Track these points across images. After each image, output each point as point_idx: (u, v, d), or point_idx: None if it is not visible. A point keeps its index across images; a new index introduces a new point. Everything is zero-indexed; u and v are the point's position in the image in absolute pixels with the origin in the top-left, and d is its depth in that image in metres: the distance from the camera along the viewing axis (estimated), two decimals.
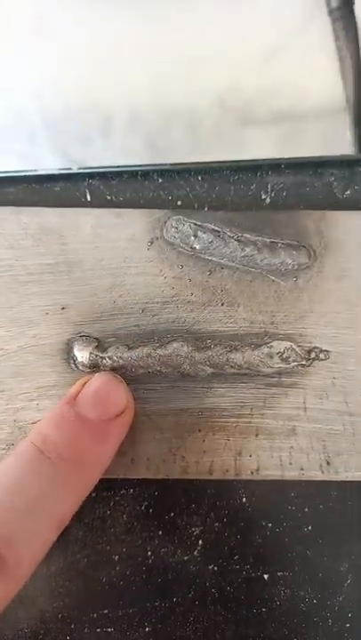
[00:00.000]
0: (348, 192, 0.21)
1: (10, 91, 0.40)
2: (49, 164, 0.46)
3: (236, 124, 0.45)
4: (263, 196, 0.21)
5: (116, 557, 0.19)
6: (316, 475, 0.19)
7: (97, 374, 0.19)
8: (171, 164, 0.21)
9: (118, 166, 0.21)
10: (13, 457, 0.16)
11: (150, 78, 0.43)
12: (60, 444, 0.17)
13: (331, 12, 0.40)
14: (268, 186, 0.21)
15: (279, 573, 0.20)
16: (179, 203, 0.21)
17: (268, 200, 0.21)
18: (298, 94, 0.45)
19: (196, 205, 0.21)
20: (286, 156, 0.49)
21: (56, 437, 0.17)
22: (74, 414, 0.17)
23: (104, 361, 0.19)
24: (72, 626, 0.19)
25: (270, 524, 0.20)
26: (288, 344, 0.20)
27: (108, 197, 0.21)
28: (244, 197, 0.21)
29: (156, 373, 0.19)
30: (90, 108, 0.44)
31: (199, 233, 0.20)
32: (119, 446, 0.19)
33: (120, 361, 0.19)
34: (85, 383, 0.18)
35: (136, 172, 0.21)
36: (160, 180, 0.21)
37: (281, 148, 0.48)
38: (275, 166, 0.21)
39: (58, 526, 0.16)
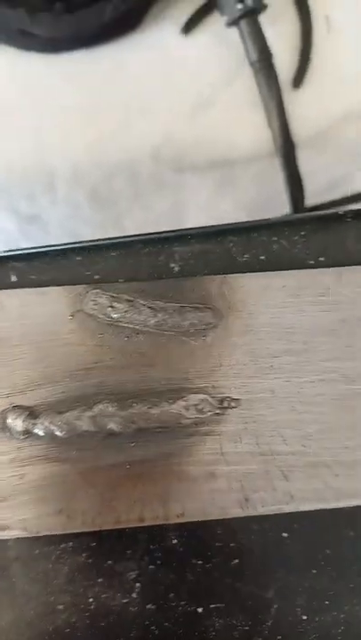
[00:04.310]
0: (247, 255, 0.24)
1: None
2: (3, 221, 0.49)
3: (172, 172, 0.49)
4: (172, 265, 0.24)
5: (61, 607, 0.21)
6: (237, 512, 0.22)
7: None
8: (87, 242, 0.24)
9: (40, 247, 0.24)
10: None
11: (88, 136, 0.47)
12: None
13: (252, 64, 0.44)
14: (176, 255, 0.24)
15: (212, 606, 0.22)
16: (96, 277, 0.23)
17: (176, 268, 0.24)
18: (229, 143, 0.48)
19: (112, 278, 0.23)
20: (224, 199, 0.52)
21: None
22: None
23: (36, 428, 0.21)
24: None
25: (200, 561, 0.22)
26: (202, 396, 0.22)
27: (32, 277, 0.23)
28: (154, 267, 0.24)
29: (85, 434, 0.22)
30: (33, 167, 0.47)
31: (115, 304, 0.22)
32: (56, 505, 0.21)
33: (51, 426, 0.21)
34: None
35: (56, 251, 0.23)
36: (79, 258, 0.23)
37: (217, 193, 0.51)
38: (181, 237, 0.24)
39: None
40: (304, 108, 0.49)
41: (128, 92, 0.47)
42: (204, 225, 0.25)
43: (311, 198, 0.49)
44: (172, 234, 0.24)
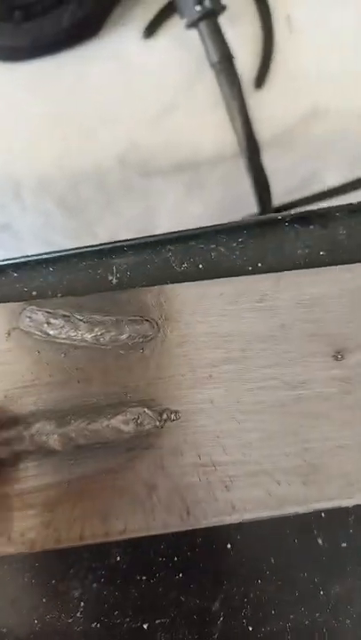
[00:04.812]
0: (185, 265, 0.23)
1: None
2: None
3: (140, 177, 0.48)
4: (110, 278, 0.23)
5: (5, 630, 0.21)
6: (180, 525, 0.21)
7: None
8: (24, 257, 0.24)
9: None
10: None
11: (53, 145, 0.46)
12: None
13: (213, 66, 0.43)
14: (114, 268, 0.23)
15: (158, 621, 0.21)
16: (34, 293, 0.23)
17: (114, 281, 0.23)
18: (193, 146, 0.48)
19: (50, 294, 0.23)
20: (193, 202, 0.52)
21: None
22: None
23: None
24: None
25: (145, 577, 0.22)
26: (141, 409, 0.22)
27: None
28: (92, 281, 0.23)
29: (23, 454, 0.21)
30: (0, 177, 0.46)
31: (51, 320, 0.22)
32: None
33: None
34: None
35: None
36: (15, 275, 0.23)
37: (186, 196, 0.51)
38: (117, 249, 0.24)
39: None
40: (268, 108, 0.49)
41: (91, 103, 0.47)
42: (166, 231, 0.25)
43: (280, 197, 0.49)
44: (110, 246, 0.24)
